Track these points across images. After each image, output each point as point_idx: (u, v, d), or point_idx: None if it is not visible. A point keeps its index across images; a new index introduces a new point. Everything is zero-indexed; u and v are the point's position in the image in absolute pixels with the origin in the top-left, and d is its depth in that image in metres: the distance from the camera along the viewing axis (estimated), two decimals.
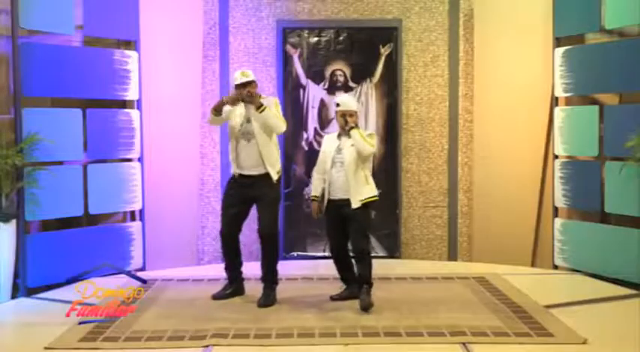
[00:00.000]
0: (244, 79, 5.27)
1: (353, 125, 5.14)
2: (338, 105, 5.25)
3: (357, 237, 5.14)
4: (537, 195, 6.86)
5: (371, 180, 5.23)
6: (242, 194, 5.36)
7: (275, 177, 5.32)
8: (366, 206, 5.15)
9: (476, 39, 7.05)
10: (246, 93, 5.23)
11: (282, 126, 5.32)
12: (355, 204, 5.08)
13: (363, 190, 5.12)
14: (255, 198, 5.34)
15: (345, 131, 5.18)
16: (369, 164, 5.27)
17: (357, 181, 5.11)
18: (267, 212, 5.33)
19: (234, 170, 5.40)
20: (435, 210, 7.15)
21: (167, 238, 6.85)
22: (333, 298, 5.32)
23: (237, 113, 5.36)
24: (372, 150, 5.14)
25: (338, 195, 5.18)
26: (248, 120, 5.30)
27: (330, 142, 5.30)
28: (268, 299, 5.34)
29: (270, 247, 5.36)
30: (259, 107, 5.19)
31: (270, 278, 5.42)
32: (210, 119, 5.48)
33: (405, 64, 7.11)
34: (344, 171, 5.12)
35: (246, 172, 5.33)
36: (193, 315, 5.01)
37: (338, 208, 5.17)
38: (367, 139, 5.11)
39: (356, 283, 5.21)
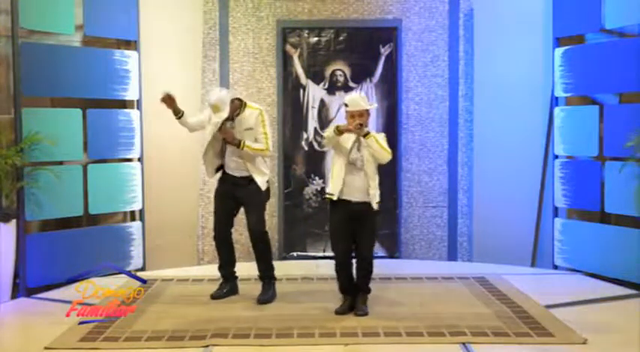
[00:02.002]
0: (217, 118, 5.15)
1: (367, 131, 4.87)
2: (346, 105, 4.95)
3: (368, 246, 5.02)
4: (537, 195, 6.86)
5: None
6: (230, 190, 5.38)
7: (264, 186, 5.34)
8: (377, 212, 5.00)
9: (476, 39, 7.04)
10: (226, 139, 5.22)
11: (265, 152, 5.29)
12: (376, 206, 4.94)
13: (377, 193, 4.97)
14: (242, 198, 5.38)
15: (358, 135, 4.88)
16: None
17: (373, 184, 4.92)
18: (254, 211, 5.36)
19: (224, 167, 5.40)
20: (435, 210, 7.14)
21: (167, 238, 6.85)
22: (337, 313, 5.02)
23: (214, 121, 5.27)
24: (389, 157, 4.93)
25: (354, 197, 4.94)
26: (232, 128, 5.26)
27: (347, 136, 4.94)
28: (267, 294, 5.37)
29: (261, 244, 5.40)
30: (238, 146, 5.20)
31: (267, 274, 5.45)
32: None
33: (405, 64, 7.11)
34: (363, 172, 4.91)
35: (233, 173, 5.36)
36: (193, 315, 5.01)
37: (352, 210, 4.94)
38: (384, 146, 4.90)
39: (354, 292, 5.12)
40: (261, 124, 5.29)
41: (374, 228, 5.06)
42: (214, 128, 5.27)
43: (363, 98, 5.03)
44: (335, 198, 4.96)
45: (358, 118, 4.88)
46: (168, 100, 5.24)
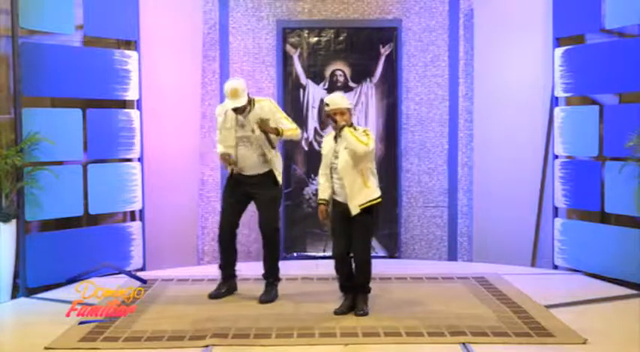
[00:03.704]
0: (235, 104, 5.17)
1: (343, 123, 4.92)
2: (327, 105, 5.00)
3: (361, 246, 5.01)
4: (537, 195, 6.86)
5: (371, 182, 4.97)
6: (242, 189, 5.39)
7: (280, 180, 5.39)
8: (369, 211, 4.95)
9: (476, 39, 7.05)
10: (267, 131, 5.20)
11: (297, 131, 5.40)
12: (354, 210, 4.89)
13: (359, 195, 4.91)
14: (255, 195, 5.38)
15: (337, 132, 4.98)
16: (371, 164, 5.02)
17: (353, 186, 4.90)
18: (267, 209, 5.36)
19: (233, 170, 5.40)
20: (435, 210, 7.15)
21: (167, 238, 6.85)
22: (336, 313, 5.03)
23: (228, 123, 5.31)
24: (365, 148, 4.82)
25: (341, 198, 5.00)
26: (242, 126, 5.29)
27: (328, 145, 5.09)
28: (270, 295, 5.38)
29: (272, 243, 5.41)
30: (279, 133, 5.23)
31: (272, 274, 5.46)
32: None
33: (405, 64, 7.11)
34: (341, 177, 4.93)
35: (246, 173, 5.35)
36: (193, 315, 5.02)
37: (342, 209, 5.00)
38: (360, 137, 4.86)
39: (354, 290, 5.11)
40: (277, 110, 5.36)
41: (366, 229, 5.01)
42: (233, 123, 5.28)
43: (343, 98, 5.09)
44: (325, 202, 5.09)
45: (339, 116, 4.93)
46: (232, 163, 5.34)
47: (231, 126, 5.31)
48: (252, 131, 5.25)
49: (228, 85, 5.23)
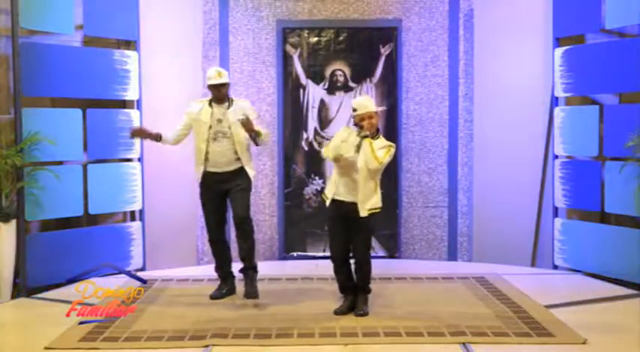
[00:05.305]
0: (219, 80, 5.29)
1: (367, 133, 4.79)
2: (355, 109, 4.87)
3: (362, 246, 5.00)
4: (537, 195, 6.86)
5: (379, 190, 4.96)
6: (216, 189, 5.39)
7: (252, 177, 5.41)
8: (372, 215, 4.95)
9: (476, 39, 7.04)
10: (248, 131, 5.20)
11: (269, 139, 5.65)
12: (363, 212, 4.85)
13: (371, 199, 4.88)
14: (228, 187, 5.37)
15: (360, 138, 4.79)
16: (380, 174, 4.98)
17: (367, 189, 4.85)
18: (241, 197, 5.34)
19: (205, 169, 5.37)
20: (435, 210, 7.15)
21: (167, 238, 6.85)
22: (336, 313, 5.03)
23: (203, 117, 5.34)
24: (376, 166, 4.73)
25: (346, 197, 4.92)
26: (219, 121, 5.32)
27: (347, 135, 4.91)
28: (253, 287, 5.32)
29: (247, 230, 5.33)
30: (258, 134, 5.24)
31: (251, 263, 5.37)
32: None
33: (405, 64, 7.11)
34: (356, 175, 4.84)
35: (219, 170, 5.35)
36: (193, 315, 5.02)
37: (345, 210, 4.93)
38: (376, 152, 4.75)
39: (354, 292, 5.12)
40: (254, 113, 5.43)
41: (367, 231, 5.01)
42: (208, 116, 5.33)
43: (371, 100, 5.00)
44: (328, 201, 5.03)
45: (367, 120, 4.83)
46: (140, 133, 5.45)
47: (206, 120, 5.32)
48: (229, 127, 5.28)
49: (213, 68, 5.46)
